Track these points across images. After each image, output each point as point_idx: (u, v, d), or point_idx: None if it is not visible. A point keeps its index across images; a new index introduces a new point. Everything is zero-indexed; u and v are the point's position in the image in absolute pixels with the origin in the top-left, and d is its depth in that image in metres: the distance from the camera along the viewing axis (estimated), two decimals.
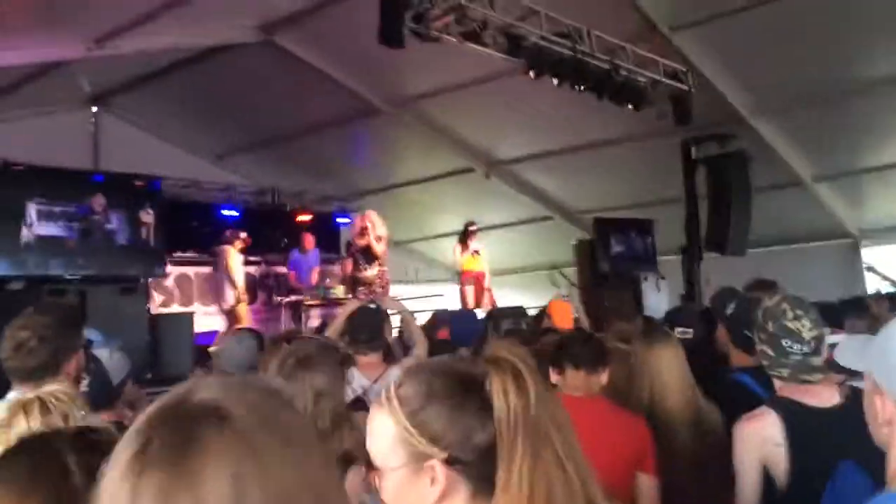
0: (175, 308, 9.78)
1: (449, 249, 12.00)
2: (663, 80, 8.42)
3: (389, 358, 4.35)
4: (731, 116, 9.50)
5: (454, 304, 11.35)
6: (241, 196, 12.17)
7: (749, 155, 9.82)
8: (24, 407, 1.44)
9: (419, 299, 12.22)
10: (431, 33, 6.29)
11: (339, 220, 12.79)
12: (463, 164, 11.96)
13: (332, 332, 4.08)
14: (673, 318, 5.23)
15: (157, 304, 9.31)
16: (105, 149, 10.80)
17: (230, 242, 10.01)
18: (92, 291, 6.20)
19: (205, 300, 10.68)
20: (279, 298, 10.71)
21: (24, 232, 6.03)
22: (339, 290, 10.00)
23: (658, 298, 10.61)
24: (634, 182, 11.25)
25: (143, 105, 11.20)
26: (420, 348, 4.18)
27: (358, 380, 4.06)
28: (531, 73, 7.10)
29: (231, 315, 9.85)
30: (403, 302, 11.35)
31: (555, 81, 7.24)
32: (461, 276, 11.32)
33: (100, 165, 10.31)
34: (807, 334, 2.48)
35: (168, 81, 10.35)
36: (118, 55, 8.69)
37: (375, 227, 9.86)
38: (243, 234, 10.16)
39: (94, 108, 11.12)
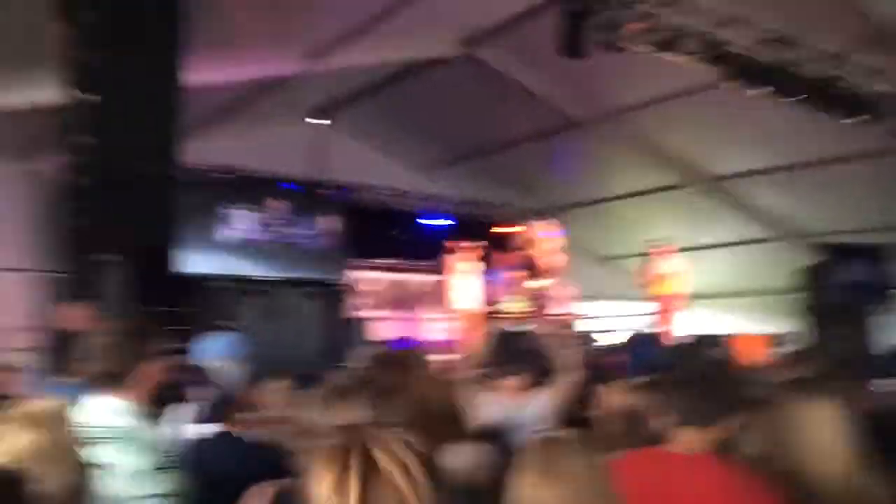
0: (370, 313, 10.08)
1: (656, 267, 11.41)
2: None
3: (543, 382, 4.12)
4: None
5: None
6: (446, 208, 12.37)
7: None
8: (17, 420, 1.44)
9: (620, 318, 11.81)
10: (619, 43, 5.95)
11: None
12: (672, 179, 11.36)
13: (468, 354, 3.94)
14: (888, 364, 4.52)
15: (352, 309, 9.63)
16: (323, 158, 11.41)
17: (453, 252, 10.01)
18: (278, 293, 6.53)
19: (401, 307, 10.97)
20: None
21: (220, 234, 6.49)
22: (519, 305, 9.68)
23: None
24: (866, 204, 10.00)
25: (358, 118, 11.76)
26: (566, 376, 3.90)
27: (492, 406, 3.88)
28: (734, 84, 6.50)
29: (458, 323, 9.79)
30: (595, 322, 11.02)
31: (761, 92, 6.57)
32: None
33: (318, 175, 10.90)
34: None
35: (379, 95, 10.79)
36: (329, 70, 9.20)
37: (544, 240, 9.37)
38: (469, 245, 9.94)
39: (313, 121, 11.81)
